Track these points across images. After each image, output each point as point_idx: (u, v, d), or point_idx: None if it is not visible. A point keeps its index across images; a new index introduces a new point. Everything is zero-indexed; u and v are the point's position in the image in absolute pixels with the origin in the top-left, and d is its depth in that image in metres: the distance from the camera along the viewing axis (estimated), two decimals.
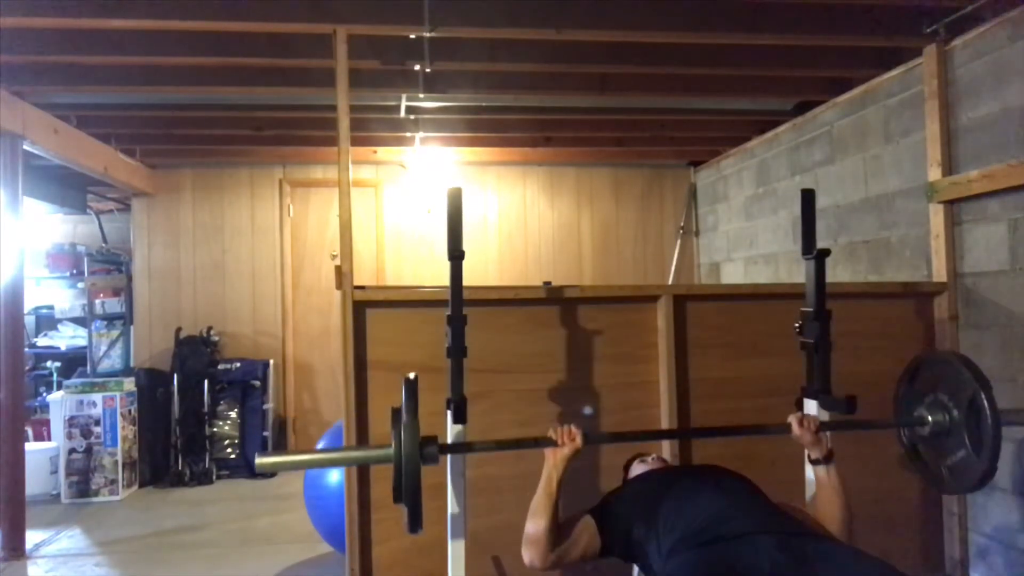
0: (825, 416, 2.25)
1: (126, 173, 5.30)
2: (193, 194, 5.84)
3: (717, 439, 2.86)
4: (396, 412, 1.82)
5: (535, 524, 1.94)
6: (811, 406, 2.28)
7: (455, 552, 2.08)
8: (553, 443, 1.98)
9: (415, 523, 1.76)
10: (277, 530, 4.14)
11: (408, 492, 1.75)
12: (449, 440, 2.08)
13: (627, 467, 2.33)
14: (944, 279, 3.14)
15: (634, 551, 1.96)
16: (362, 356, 2.64)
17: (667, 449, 2.80)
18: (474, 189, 6.01)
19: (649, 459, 2.31)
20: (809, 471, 2.15)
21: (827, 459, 2.05)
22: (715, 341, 2.92)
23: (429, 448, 1.84)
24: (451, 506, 2.07)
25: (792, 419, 2.08)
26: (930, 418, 2.21)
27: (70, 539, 4.09)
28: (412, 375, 1.84)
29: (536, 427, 2.65)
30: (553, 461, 1.98)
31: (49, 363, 5.99)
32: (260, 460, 1.83)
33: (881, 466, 3.00)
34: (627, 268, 6.22)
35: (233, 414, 5.52)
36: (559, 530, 1.94)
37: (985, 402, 2.05)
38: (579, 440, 1.98)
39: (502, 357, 2.71)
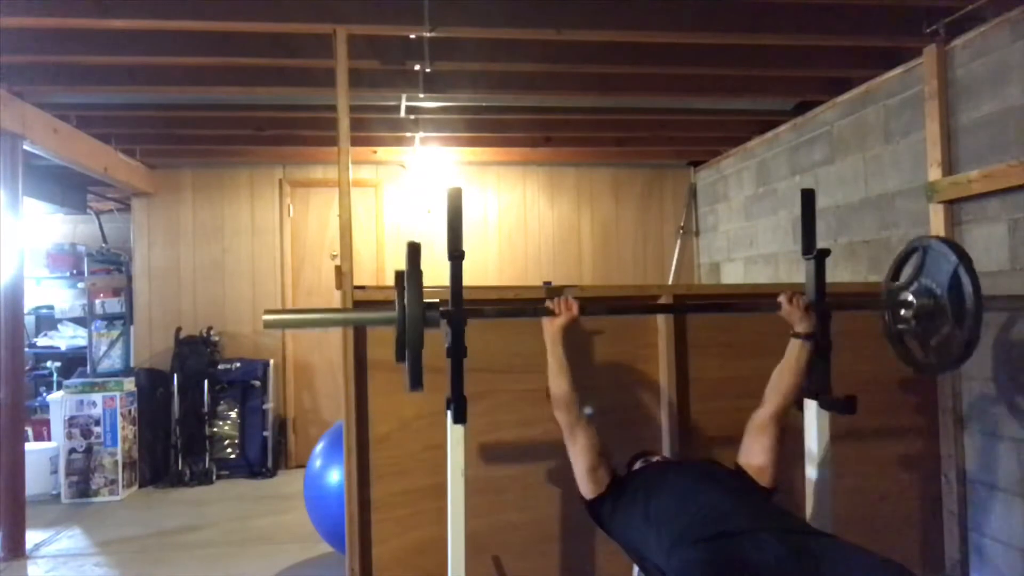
0: (825, 416, 2.26)
1: (126, 173, 5.30)
2: (193, 194, 5.84)
3: (717, 442, 2.85)
4: (399, 275, 1.91)
5: (558, 383, 2.14)
6: (811, 406, 2.28)
7: (455, 552, 2.08)
8: (551, 313, 2.15)
9: (416, 381, 1.86)
10: (277, 530, 4.14)
11: (411, 352, 1.84)
12: (449, 441, 2.08)
13: (630, 464, 2.33)
14: None
15: (629, 537, 1.99)
16: (362, 356, 2.64)
17: (667, 448, 2.80)
18: (474, 189, 6.01)
19: (653, 459, 2.31)
20: (789, 346, 2.23)
21: (808, 336, 2.18)
22: (715, 341, 2.92)
23: (431, 312, 1.93)
24: (451, 528, 2.07)
25: (782, 296, 2.23)
26: (915, 301, 2.31)
27: (70, 539, 4.10)
28: (416, 241, 1.94)
29: (536, 427, 2.67)
30: (551, 331, 2.16)
31: (49, 363, 6.00)
32: (267, 317, 1.95)
33: (881, 466, 3.01)
34: (627, 268, 6.22)
35: (233, 414, 5.52)
36: (592, 426, 2.13)
37: (965, 273, 2.14)
38: (575, 309, 2.15)
39: (502, 357, 2.71)
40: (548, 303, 2.14)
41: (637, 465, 2.29)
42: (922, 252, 2.36)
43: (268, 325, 1.94)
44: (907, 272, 2.44)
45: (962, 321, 2.16)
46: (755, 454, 2.09)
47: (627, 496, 2.04)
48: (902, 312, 2.37)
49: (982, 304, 2.13)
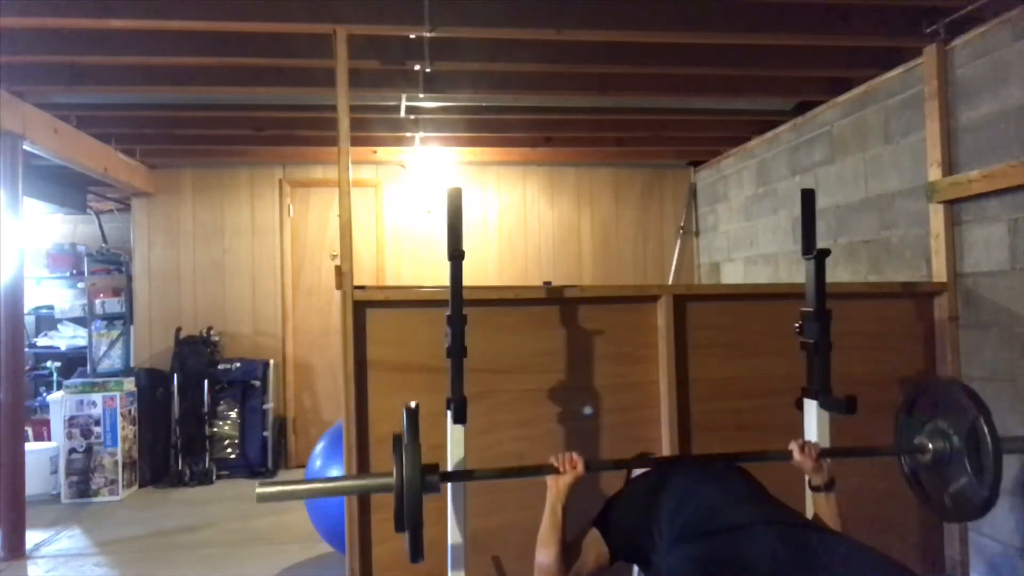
0: (825, 416, 2.26)
1: (126, 173, 5.30)
2: (193, 194, 5.84)
3: (718, 441, 2.85)
4: (397, 439, 1.81)
5: (545, 553, 1.93)
6: (811, 406, 2.28)
7: (455, 552, 2.08)
8: (555, 471, 1.98)
9: (416, 553, 1.76)
10: (277, 530, 4.14)
11: (410, 521, 1.74)
12: (449, 441, 2.08)
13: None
14: (944, 279, 3.14)
15: (636, 548, 1.96)
16: (362, 356, 2.64)
17: (667, 448, 2.80)
18: (474, 189, 6.01)
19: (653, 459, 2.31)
20: (809, 497, 2.12)
21: (828, 487, 2.03)
22: (715, 341, 2.92)
23: (430, 477, 1.83)
24: (451, 528, 2.07)
25: (793, 445, 2.06)
26: (931, 446, 2.19)
27: (70, 539, 4.09)
28: (413, 404, 1.83)
29: (536, 427, 2.66)
30: (556, 489, 1.98)
31: (49, 363, 6.00)
32: (260, 490, 1.86)
33: (881, 466, 3.00)
34: (627, 268, 6.22)
35: (233, 414, 5.52)
36: (568, 552, 1.94)
37: (986, 429, 2.03)
38: (580, 467, 1.98)
39: (502, 357, 2.71)
40: (552, 460, 2.00)
41: (636, 470, 2.28)
42: (936, 393, 2.27)
43: (262, 499, 1.89)
44: (920, 407, 2.34)
45: (981, 476, 2.08)
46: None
47: (626, 509, 2.01)
48: (918, 456, 2.26)
49: (1002, 462, 2.04)
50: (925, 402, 2.28)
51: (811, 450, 2.05)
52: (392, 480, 1.78)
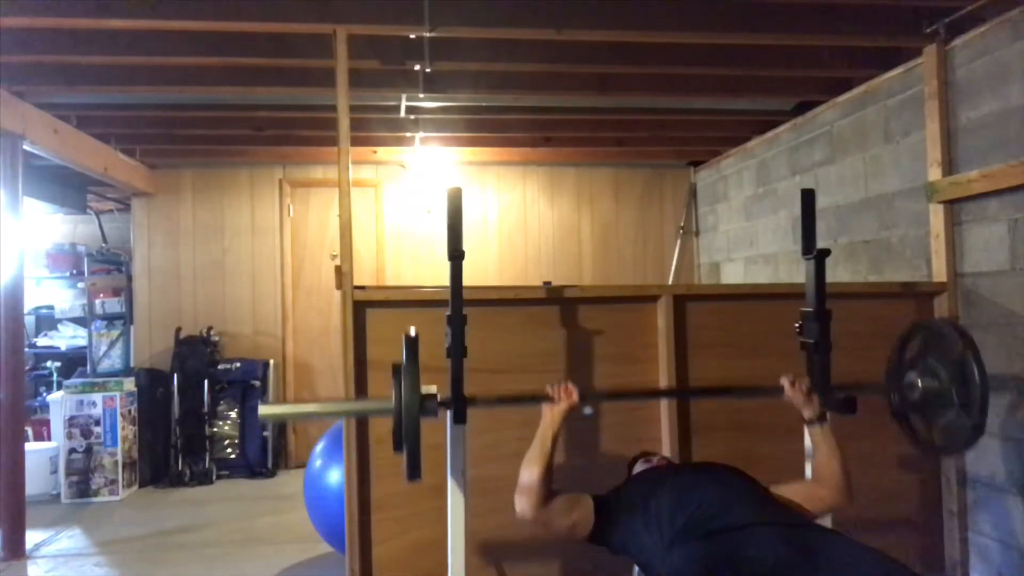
0: (825, 416, 2.25)
1: (126, 173, 5.30)
2: (193, 194, 5.84)
3: (718, 441, 2.85)
4: (397, 366, 1.89)
5: (529, 473, 2.01)
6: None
7: (455, 552, 2.08)
8: (550, 400, 2.10)
9: (414, 471, 1.83)
10: (277, 530, 4.14)
11: (408, 442, 1.82)
12: (449, 441, 2.08)
13: (631, 465, 2.33)
14: (944, 279, 3.14)
15: (633, 544, 1.96)
16: (362, 356, 2.64)
17: (667, 448, 2.80)
18: (474, 189, 6.01)
19: (654, 459, 2.31)
20: (807, 435, 2.18)
21: (820, 418, 2.10)
22: (715, 341, 2.92)
23: (429, 402, 1.91)
24: (451, 528, 2.07)
25: (784, 380, 2.15)
26: (920, 383, 2.25)
27: (70, 539, 4.10)
28: (413, 331, 1.91)
29: (536, 427, 2.65)
30: (550, 417, 2.09)
31: (49, 363, 6.00)
32: (263, 410, 1.95)
33: (881, 466, 3.01)
34: (627, 268, 6.22)
35: (233, 414, 5.52)
36: (555, 494, 2.00)
37: (972, 361, 2.09)
38: (575, 396, 2.09)
39: (502, 357, 2.71)
40: (547, 388, 2.08)
41: (637, 467, 2.29)
42: (927, 331, 2.31)
43: (265, 418, 1.96)
44: (912, 349, 2.38)
45: (969, 409, 2.11)
46: (798, 498, 2.03)
47: (625, 502, 2.02)
48: (907, 393, 2.31)
49: (989, 394, 2.08)
50: (915, 343, 2.34)
51: (801, 384, 2.14)
52: (391, 404, 1.87)
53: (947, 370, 2.19)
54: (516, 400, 2.27)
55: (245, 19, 3.02)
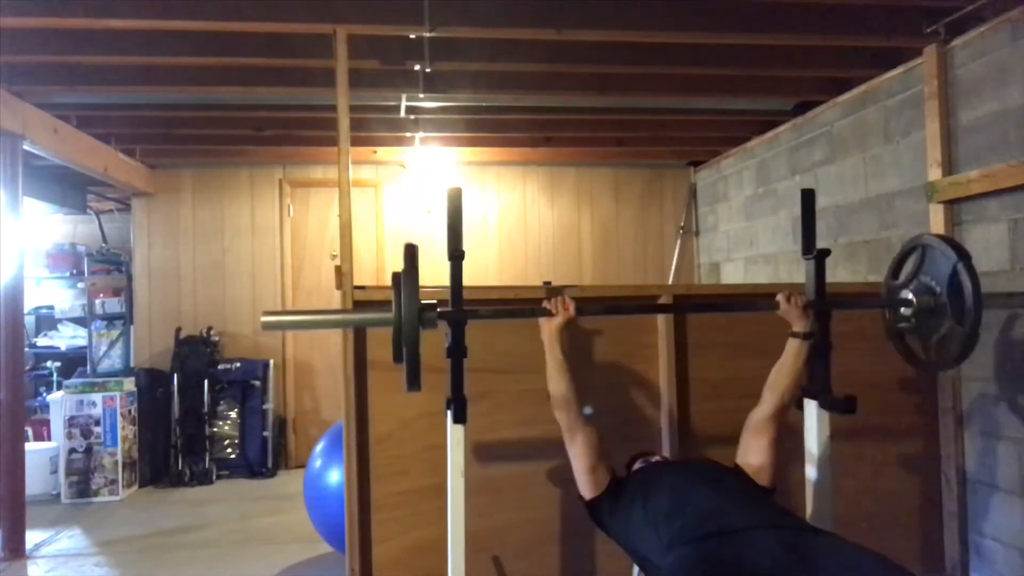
0: (825, 416, 2.26)
1: (126, 173, 5.30)
2: (193, 194, 5.84)
3: (717, 443, 2.85)
4: (396, 276, 1.91)
5: (557, 383, 2.14)
6: (811, 406, 2.28)
7: (455, 552, 2.08)
8: (548, 313, 2.16)
9: (413, 381, 1.86)
10: (277, 530, 4.14)
11: (408, 352, 1.85)
12: (449, 441, 2.08)
13: (629, 465, 2.33)
14: None
15: (631, 539, 1.98)
16: (362, 356, 2.64)
17: (667, 448, 2.80)
18: (474, 189, 6.01)
19: (653, 459, 2.31)
20: (787, 345, 2.23)
21: (807, 336, 2.19)
22: (715, 341, 2.92)
23: (428, 312, 1.93)
24: (451, 528, 2.07)
25: (780, 296, 2.23)
26: (915, 299, 2.30)
27: (70, 539, 4.10)
28: (413, 243, 1.94)
29: (536, 427, 2.66)
30: (549, 331, 2.18)
31: (49, 363, 5.99)
32: (265, 318, 1.96)
33: (881, 466, 3.01)
34: (627, 268, 6.22)
35: (233, 414, 5.52)
36: (594, 428, 2.12)
37: (964, 271, 2.13)
38: (572, 309, 2.16)
39: (502, 357, 2.71)
40: (545, 303, 2.14)
41: (636, 465, 2.29)
42: (921, 250, 2.36)
43: (267, 327, 1.95)
44: (907, 270, 2.44)
45: (962, 318, 2.17)
46: (753, 453, 2.10)
47: (626, 497, 2.04)
48: (902, 310, 2.37)
49: (982, 301, 2.13)
50: (910, 262, 2.38)
51: (797, 299, 2.22)
52: (391, 315, 1.89)
53: (941, 284, 2.23)
54: (513, 314, 2.37)
55: (245, 19, 3.02)
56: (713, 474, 2.05)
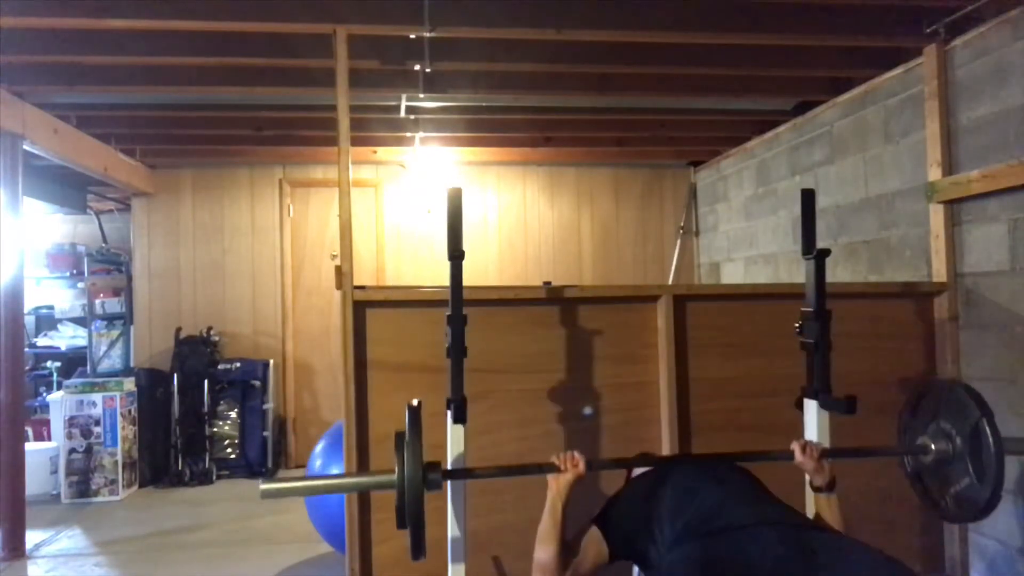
0: (825, 416, 2.26)
1: (126, 173, 5.30)
2: (193, 194, 5.84)
3: (718, 441, 2.85)
4: (400, 436, 1.82)
5: (544, 551, 1.93)
6: (811, 406, 2.28)
7: (455, 552, 2.08)
8: (556, 469, 1.98)
9: (418, 550, 1.76)
10: (277, 530, 4.14)
11: (411, 518, 1.75)
12: (449, 441, 2.08)
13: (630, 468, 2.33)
14: (944, 279, 3.14)
15: (636, 547, 1.96)
16: (362, 356, 2.64)
17: (667, 448, 2.80)
18: (474, 189, 6.01)
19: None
20: (809, 497, 2.12)
21: (829, 487, 2.03)
22: (715, 341, 2.92)
23: (432, 474, 1.84)
24: (451, 528, 2.07)
25: (795, 445, 2.05)
26: (933, 446, 2.19)
27: (70, 539, 4.09)
28: (416, 402, 1.84)
29: (536, 427, 2.66)
30: (556, 487, 1.98)
31: (49, 363, 6.00)
32: (264, 487, 1.85)
33: (881, 466, 3.00)
34: (627, 268, 6.22)
35: (233, 414, 5.52)
36: (567, 550, 1.94)
37: (988, 431, 2.03)
38: (581, 466, 1.98)
39: (502, 357, 2.71)
40: (554, 459, 1.99)
41: (636, 470, 2.28)
42: (939, 394, 2.27)
43: (266, 496, 1.88)
44: (925, 409, 2.34)
45: (983, 479, 2.07)
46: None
47: (626, 505, 2.01)
48: (920, 457, 2.27)
49: (1003, 459, 2.04)
50: (928, 402, 2.28)
51: (813, 451, 2.03)
52: (394, 477, 1.79)
53: (960, 435, 2.13)
54: (520, 471, 2.19)
55: (245, 19, 3.02)
56: (715, 472, 2.04)
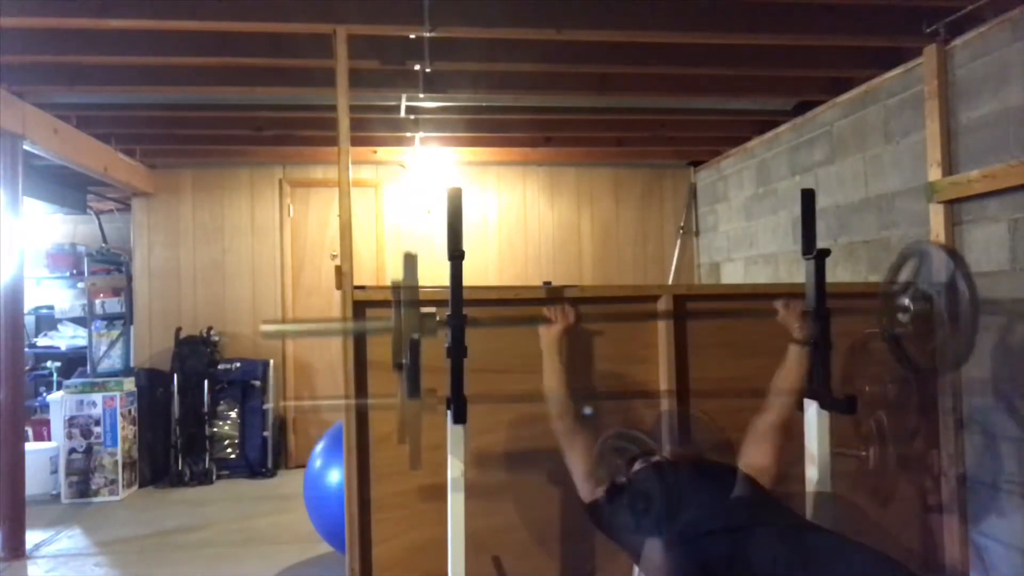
0: (825, 416, 2.26)
1: (126, 173, 5.30)
2: (193, 194, 5.84)
3: (717, 442, 2.85)
4: (396, 284, 1.92)
5: (553, 391, 2.16)
6: (811, 406, 2.28)
7: (455, 552, 2.08)
8: (548, 321, 2.19)
9: (414, 389, 1.86)
10: (277, 530, 4.14)
11: (410, 359, 1.86)
12: (449, 441, 2.08)
13: (629, 465, 2.33)
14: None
15: (631, 541, 1.97)
16: (362, 356, 2.64)
17: (667, 448, 2.80)
18: (474, 189, 6.01)
19: (653, 459, 2.31)
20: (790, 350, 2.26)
21: (805, 342, 2.23)
22: (715, 341, 2.92)
23: (428, 320, 1.94)
24: (451, 528, 2.07)
25: (778, 303, 2.29)
26: (912, 305, 2.29)
27: (70, 539, 4.10)
28: (413, 252, 1.96)
29: (536, 427, 2.66)
30: (548, 338, 2.20)
31: (49, 363, 6.00)
32: (264, 328, 1.96)
33: (881, 466, 3.00)
34: (627, 268, 6.22)
35: (233, 414, 5.52)
36: (588, 432, 2.15)
37: (962, 279, 2.12)
38: (572, 317, 2.20)
39: (502, 357, 2.71)
40: (545, 311, 2.13)
41: (636, 466, 2.29)
42: (919, 256, 2.34)
43: (266, 336, 1.96)
44: (904, 275, 2.42)
45: (959, 327, 2.15)
46: (757, 457, 2.08)
47: (626, 498, 2.04)
48: (899, 316, 2.35)
49: (979, 310, 2.11)
50: (909, 267, 2.36)
51: (795, 307, 2.28)
52: (392, 322, 1.89)
53: (938, 291, 2.22)
54: (514, 322, 2.35)
55: (245, 19, 3.02)
56: (714, 473, 2.05)
